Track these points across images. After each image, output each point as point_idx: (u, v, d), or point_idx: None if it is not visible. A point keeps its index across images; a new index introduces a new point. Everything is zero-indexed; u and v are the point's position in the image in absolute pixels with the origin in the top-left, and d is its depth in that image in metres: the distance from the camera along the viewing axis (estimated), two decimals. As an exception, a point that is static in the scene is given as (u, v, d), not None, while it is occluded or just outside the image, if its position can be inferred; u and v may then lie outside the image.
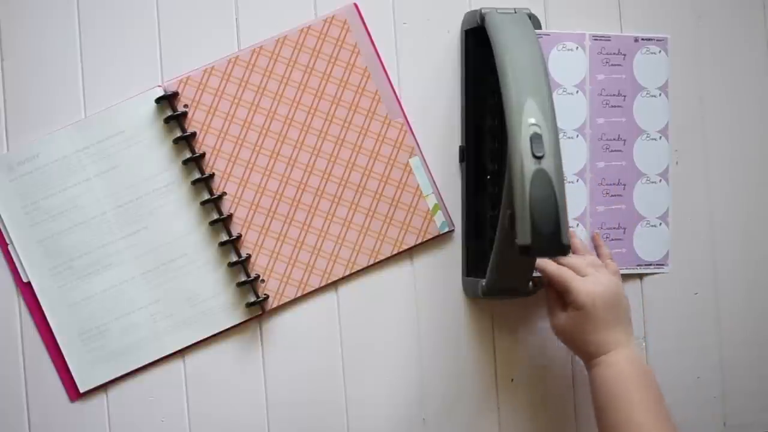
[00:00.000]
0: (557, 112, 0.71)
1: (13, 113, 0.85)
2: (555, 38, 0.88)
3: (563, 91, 0.87)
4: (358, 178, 0.88)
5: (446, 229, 0.88)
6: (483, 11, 0.82)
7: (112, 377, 0.85)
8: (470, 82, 0.87)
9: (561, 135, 0.82)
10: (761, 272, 0.93)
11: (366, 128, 0.88)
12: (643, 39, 0.89)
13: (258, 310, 0.86)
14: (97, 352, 0.85)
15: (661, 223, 0.89)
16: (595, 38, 0.88)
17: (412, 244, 0.88)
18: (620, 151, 0.88)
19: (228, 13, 0.87)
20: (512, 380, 0.89)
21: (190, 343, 0.86)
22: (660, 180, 0.89)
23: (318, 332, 0.87)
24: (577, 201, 0.88)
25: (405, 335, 0.88)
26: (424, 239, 0.88)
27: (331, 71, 0.87)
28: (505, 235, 0.73)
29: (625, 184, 0.89)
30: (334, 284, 0.87)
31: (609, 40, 0.88)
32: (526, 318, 0.89)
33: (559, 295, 0.80)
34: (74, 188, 0.85)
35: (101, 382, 0.85)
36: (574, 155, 0.87)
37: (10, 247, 0.85)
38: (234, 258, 0.86)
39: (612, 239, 0.88)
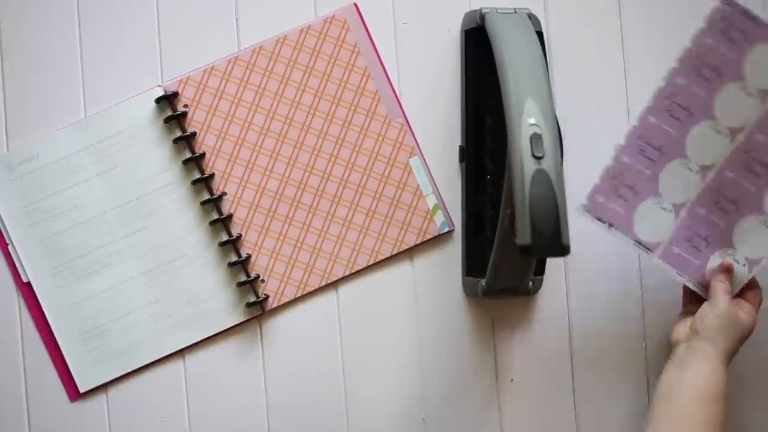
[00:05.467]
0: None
1: (13, 113, 0.85)
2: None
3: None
4: (358, 178, 0.88)
5: (446, 229, 0.88)
6: (483, 11, 0.82)
7: (112, 377, 0.86)
8: (470, 82, 0.87)
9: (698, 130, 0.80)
10: (761, 272, 0.92)
11: (366, 128, 0.88)
12: None
13: (258, 310, 0.86)
14: (97, 352, 0.85)
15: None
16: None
17: (412, 244, 0.88)
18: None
19: (228, 13, 0.87)
20: (512, 380, 0.89)
21: (190, 343, 0.86)
22: None
23: (318, 332, 0.87)
24: (687, 189, 0.81)
25: (405, 335, 0.88)
26: (424, 239, 0.88)
27: (331, 71, 0.87)
28: (505, 235, 0.73)
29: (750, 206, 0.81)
30: (334, 284, 0.88)
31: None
32: (526, 318, 0.89)
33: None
34: (74, 188, 0.85)
35: (101, 382, 0.85)
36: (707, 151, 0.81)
37: (10, 247, 0.85)
38: (234, 258, 0.86)
39: (693, 248, 0.82)
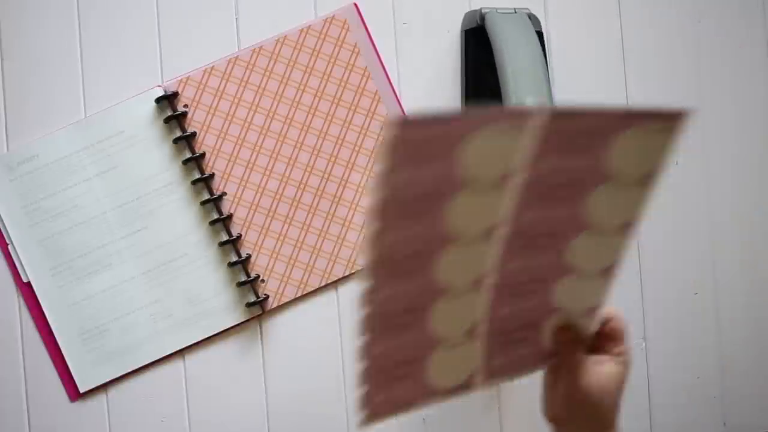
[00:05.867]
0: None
1: (13, 113, 0.85)
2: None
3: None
4: (359, 178, 0.88)
5: (446, 229, 0.88)
6: (483, 11, 0.82)
7: (112, 377, 0.86)
8: (470, 82, 0.87)
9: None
10: (761, 272, 0.93)
11: (366, 128, 0.88)
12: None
13: (258, 310, 0.86)
14: (97, 352, 0.85)
15: (601, 276, 0.60)
16: (559, 116, 0.54)
17: (412, 244, 0.88)
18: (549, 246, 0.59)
19: (228, 13, 0.87)
20: (512, 380, 0.89)
21: (190, 343, 0.86)
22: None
23: (318, 332, 0.87)
24: (470, 314, 0.59)
25: (405, 335, 0.88)
26: (424, 239, 0.88)
27: (331, 71, 0.87)
28: (505, 236, 0.73)
29: (545, 279, 0.60)
30: (334, 284, 0.87)
31: (580, 117, 0.54)
32: (526, 318, 0.89)
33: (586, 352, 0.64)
34: (74, 188, 0.85)
35: (101, 382, 0.85)
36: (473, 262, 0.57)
37: (10, 247, 0.85)
38: (234, 258, 0.86)
39: (515, 342, 0.62)
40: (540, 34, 0.84)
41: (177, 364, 0.86)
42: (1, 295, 0.85)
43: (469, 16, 0.87)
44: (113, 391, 0.86)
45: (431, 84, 0.89)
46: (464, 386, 0.62)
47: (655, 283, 0.91)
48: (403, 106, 0.88)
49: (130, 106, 0.86)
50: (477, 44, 0.86)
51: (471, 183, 0.51)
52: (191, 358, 0.87)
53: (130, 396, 0.86)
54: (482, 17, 0.81)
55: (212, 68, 0.86)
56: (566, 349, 0.63)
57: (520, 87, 0.71)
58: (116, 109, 0.86)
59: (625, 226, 0.57)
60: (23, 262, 0.85)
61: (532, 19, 0.82)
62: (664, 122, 0.53)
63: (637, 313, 0.90)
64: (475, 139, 0.50)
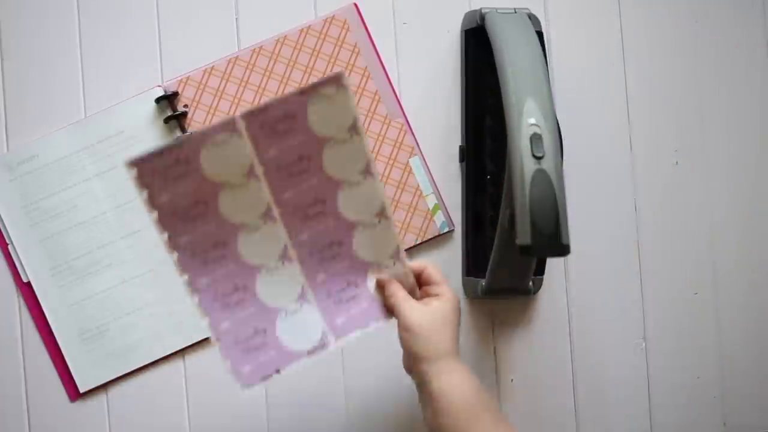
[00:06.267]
0: (234, 208, 0.66)
1: (13, 113, 0.85)
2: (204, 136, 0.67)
3: (230, 188, 0.69)
4: (358, 178, 0.88)
5: (446, 229, 0.88)
6: (483, 11, 0.82)
7: (112, 377, 0.86)
8: (470, 82, 0.87)
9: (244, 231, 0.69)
10: (761, 272, 0.93)
11: (366, 128, 0.88)
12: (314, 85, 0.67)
13: (258, 310, 0.86)
14: (97, 352, 0.85)
15: (395, 262, 0.73)
16: (251, 116, 0.66)
17: (412, 243, 0.88)
18: (321, 212, 0.71)
19: (228, 13, 0.87)
20: (512, 380, 0.89)
21: (190, 343, 0.86)
22: (380, 221, 0.72)
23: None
24: (291, 284, 0.72)
25: (405, 335, 0.88)
26: (424, 239, 0.88)
27: (331, 71, 0.87)
28: (505, 235, 0.73)
29: (340, 241, 0.72)
30: (334, 284, 0.87)
31: (266, 110, 0.67)
32: (526, 318, 0.89)
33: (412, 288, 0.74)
34: (74, 188, 0.85)
35: (101, 382, 0.85)
36: (270, 242, 0.70)
37: (10, 247, 0.85)
38: (234, 258, 0.86)
39: (347, 300, 0.74)
40: (540, 34, 0.84)
41: (177, 364, 0.86)
42: (1, 295, 0.85)
43: (469, 16, 0.87)
44: (113, 391, 0.86)
45: (431, 84, 0.89)
46: (321, 346, 0.74)
47: (655, 283, 0.91)
48: (403, 106, 0.88)
49: (130, 106, 0.86)
50: (477, 44, 0.86)
51: (225, 183, 0.67)
52: (191, 358, 0.87)
53: (130, 396, 0.86)
54: (482, 17, 0.81)
55: (212, 68, 0.86)
56: (387, 298, 0.73)
57: (520, 87, 0.71)
58: (116, 109, 0.86)
59: (366, 170, 0.69)
60: (23, 262, 0.85)
61: (532, 19, 0.82)
62: (332, 86, 0.65)
63: (637, 313, 0.90)
64: (206, 152, 0.65)
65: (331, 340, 0.74)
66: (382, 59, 0.88)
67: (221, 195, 0.67)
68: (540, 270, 0.86)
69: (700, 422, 0.91)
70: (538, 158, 0.68)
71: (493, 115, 0.87)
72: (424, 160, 0.88)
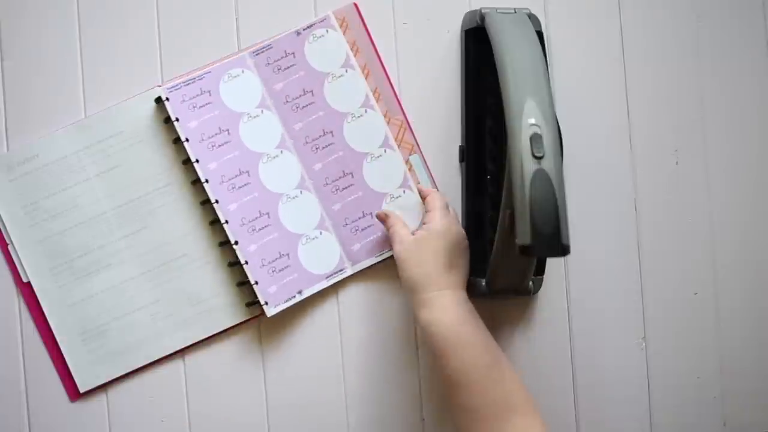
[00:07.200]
0: (253, 138, 0.80)
1: (13, 113, 0.85)
2: (217, 72, 0.85)
3: (249, 118, 0.84)
4: (358, 178, 0.88)
5: (446, 229, 0.88)
6: (483, 11, 0.82)
7: (112, 377, 0.86)
8: (470, 82, 0.87)
9: (265, 159, 0.83)
10: (761, 272, 0.93)
11: (366, 128, 0.88)
12: (305, 29, 0.85)
13: (258, 309, 0.86)
14: (97, 352, 0.85)
15: (405, 191, 0.86)
16: (256, 53, 0.85)
17: (412, 244, 0.88)
18: (332, 144, 0.85)
19: (228, 13, 0.87)
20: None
21: (190, 343, 0.86)
22: (385, 150, 0.86)
23: (318, 332, 0.87)
24: (311, 212, 0.85)
25: (404, 335, 0.88)
26: (424, 239, 0.88)
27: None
28: (505, 235, 0.73)
29: (351, 173, 0.85)
30: (334, 285, 0.87)
31: (271, 47, 0.85)
32: (526, 318, 0.89)
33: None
34: (74, 188, 0.85)
35: (101, 382, 0.85)
36: (287, 171, 0.85)
37: (10, 247, 0.85)
38: (234, 258, 0.86)
39: (363, 229, 0.86)
40: (540, 34, 0.84)
41: (177, 364, 0.86)
42: (1, 295, 0.85)
43: (469, 16, 0.87)
44: (113, 391, 0.86)
45: (431, 84, 0.89)
46: (337, 271, 0.85)
47: (655, 283, 0.91)
48: (403, 106, 0.88)
49: (129, 106, 0.86)
50: (477, 44, 0.86)
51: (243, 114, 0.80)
52: (191, 358, 0.87)
53: (130, 396, 0.86)
54: (482, 17, 0.81)
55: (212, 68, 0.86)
56: (387, 230, 0.81)
57: (520, 87, 0.71)
58: (116, 109, 0.86)
59: (365, 103, 0.82)
60: (23, 262, 0.85)
61: (532, 19, 0.82)
62: (323, 27, 0.78)
63: (637, 313, 0.90)
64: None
65: (348, 266, 0.85)
66: (382, 59, 0.88)
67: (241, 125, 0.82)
68: (540, 270, 0.86)
69: (700, 422, 0.91)
70: (538, 158, 0.68)
71: (493, 115, 0.87)
72: (424, 158, 0.88)
